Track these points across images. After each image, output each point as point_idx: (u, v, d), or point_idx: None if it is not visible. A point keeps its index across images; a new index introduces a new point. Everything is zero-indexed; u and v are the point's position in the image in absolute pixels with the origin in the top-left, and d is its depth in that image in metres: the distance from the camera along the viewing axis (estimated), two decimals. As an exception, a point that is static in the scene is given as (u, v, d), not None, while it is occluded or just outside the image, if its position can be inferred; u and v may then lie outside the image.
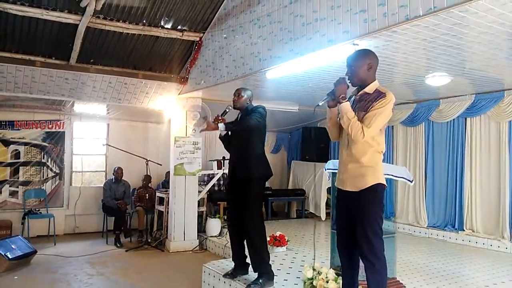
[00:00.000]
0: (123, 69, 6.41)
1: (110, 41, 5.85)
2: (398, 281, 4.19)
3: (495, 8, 2.93)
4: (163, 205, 7.33)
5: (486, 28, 3.31)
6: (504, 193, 6.10)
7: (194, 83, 6.51)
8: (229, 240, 6.38)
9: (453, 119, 6.88)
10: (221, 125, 4.02)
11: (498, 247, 6.02)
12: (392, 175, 4.12)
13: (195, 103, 7.03)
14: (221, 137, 4.27)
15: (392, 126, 7.87)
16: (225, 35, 5.54)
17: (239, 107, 4.23)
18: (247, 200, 3.99)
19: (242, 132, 4.07)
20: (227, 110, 4.19)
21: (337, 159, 6.53)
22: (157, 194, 7.67)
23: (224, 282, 4.35)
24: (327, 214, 8.31)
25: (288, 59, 4.45)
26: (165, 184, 8.00)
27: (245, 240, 4.14)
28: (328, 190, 8.27)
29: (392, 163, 7.32)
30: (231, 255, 4.42)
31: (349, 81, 2.91)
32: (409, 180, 4.32)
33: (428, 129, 7.31)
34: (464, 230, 6.57)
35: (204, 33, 6.01)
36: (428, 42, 3.76)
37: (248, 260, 4.18)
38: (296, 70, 4.78)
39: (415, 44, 3.83)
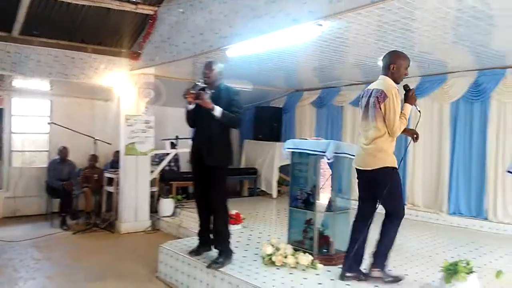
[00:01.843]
0: (70, 42, 6.03)
1: (57, 12, 5.45)
2: (352, 254, 4.39)
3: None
4: (112, 185, 7.10)
5: (444, 13, 3.48)
6: (444, 169, 6.54)
7: (147, 59, 6.26)
8: (183, 220, 6.49)
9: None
10: (218, 110, 3.80)
11: (437, 219, 6.48)
12: (348, 154, 4.26)
13: (148, 80, 6.77)
14: (188, 111, 4.02)
15: (342, 107, 8.12)
16: (182, 10, 5.35)
17: (210, 83, 4.02)
18: (215, 187, 3.98)
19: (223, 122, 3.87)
20: (198, 84, 3.94)
21: (292, 138, 6.63)
22: (106, 174, 7.39)
23: (183, 261, 4.34)
24: (278, 192, 8.50)
25: (251, 37, 4.39)
26: (114, 164, 7.71)
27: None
28: (280, 168, 8.44)
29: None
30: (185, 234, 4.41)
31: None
32: (364, 158, 4.50)
33: (375, 109, 7.59)
34: (406, 204, 6.98)
35: (159, 6, 5.76)
36: (389, 25, 3.88)
37: (212, 236, 4.21)
38: (258, 49, 4.74)
39: (376, 26, 3.95)
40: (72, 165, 7.51)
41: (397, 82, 3.46)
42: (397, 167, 3.45)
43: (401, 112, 3.37)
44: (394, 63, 3.44)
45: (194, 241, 4.55)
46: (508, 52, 5.03)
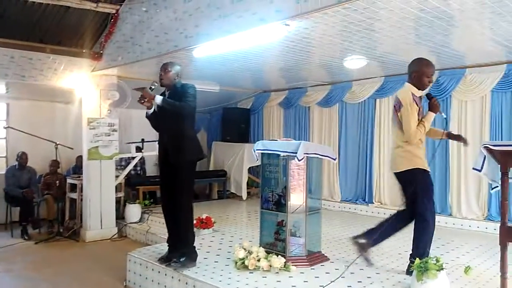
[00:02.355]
0: (28, 42, 5.74)
1: (13, 10, 5.17)
2: (323, 254, 4.40)
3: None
4: (75, 192, 6.87)
5: (408, 13, 3.53)
6: (408, 168, 6.67)
7: (109, 60, 6.06)
8: (151, 226, 6.33)
9: (364, 100, 7.31)
10: (158, 97, 3.79)
11: (404, 217, 6.59)
12: (318, 154, 4.27)
13: (111, 81, 6.57)
14: (148, 116, 4.02)
15: (309, 107, 8.18)
16: (145, 9, 5.20)
17: (167, 84, 3.99)
18: (180, 184, 3.93)
19: (174, 113, 3.85)
20: (153, 87, 3.92)
21: (260, 139, 6.57)
22: (68, 180, 7.13)
23: (152, 269, 4.21)
24: (248, 193, 8.45)
25: (217, 37, 4.32)
26: (76, 170, 7.48)
27: None
28: (249, 170, 8.39)
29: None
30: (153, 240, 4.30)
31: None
32: (332, 158, 4.52)
33: (341, 109, 7.70)
34: (373, 203, 7.11)
35: (121, 5, 5.59)
36: (354, 25, 3.90)
37: None
38: (225, 49, 4.67)
39: (342, 27, 3.96)
40: (32, 172, 7.21)
41: (420, 89, 3.56)
42: (426, 169, 3.57)
43: (422, 119, 3.52)
44: (416, 71, 3.55)
45: (163, 248, 4.43)
46: (467, 52, 5.19)
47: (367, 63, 5.72)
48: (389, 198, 7.00)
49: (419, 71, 3.53)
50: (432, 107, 3.55)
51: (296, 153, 3.86)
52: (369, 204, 7.15)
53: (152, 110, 3.96)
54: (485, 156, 2.88)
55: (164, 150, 4.00)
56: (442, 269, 3.14)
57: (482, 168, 2.90)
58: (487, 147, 2.83)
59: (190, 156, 3.97)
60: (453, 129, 6.14)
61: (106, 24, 5.85)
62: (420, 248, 3.58)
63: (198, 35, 4.54)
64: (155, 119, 4.03)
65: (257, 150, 4.35)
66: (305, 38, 4.42)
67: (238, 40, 4.32)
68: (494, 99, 5.83)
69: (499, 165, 2.83)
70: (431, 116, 3.56)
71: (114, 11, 5.65)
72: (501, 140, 5.63)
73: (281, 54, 5.25)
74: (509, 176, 2.78)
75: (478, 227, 5.80)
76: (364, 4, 3.28)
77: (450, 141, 6.18)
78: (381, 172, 7.07)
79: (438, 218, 6.01)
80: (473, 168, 2.98)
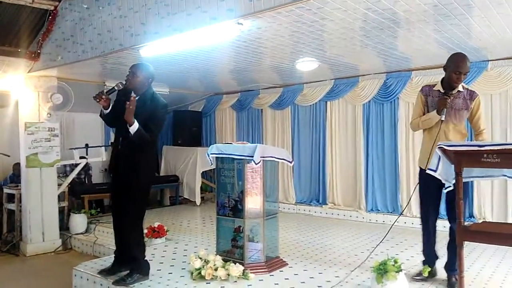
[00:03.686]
0: (-46, 41, 5.22)
1: None
2: (282, 259, 4.31)
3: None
4: (13, 202, 6.39)
5: (360, 14, 3.51)
6: (360, 168, 6.79)
7: (48, 60, 5.63)
8: (98, 237, 5.97)
9: (315, 103, 7.37)
10: (135, 127, 3.39)
11: (357, 217, 6.70)
12: (274, 157, 4.18)
13: (50, 83, 6.13)
14: (104, 115, 3.64)
15: (261, 110, 8.12)
16: (86, 5, 4.87)
17: (134, 90, 3.59)
18: (129, 204, 3.62)
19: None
20: (116, 88, 3.55)
21: (213, 142, 6.42)
22: (5, 190, 6.63)
23: (101, 284, 3.91)
24: (202, 198, 8.23)
25: (166, 36, 4.10)
26: (14, 178, 6.96)
27: None
28: (203, 174, 8.19)
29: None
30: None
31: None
32: (289, 161, 4.45)
33: (294, 112, 7.71)
34: (327, 204, 7.16)
35: (60, 1, 5.20)
36: (308, 26, 3.84)
37: None
38: (174, 48, 4.46)
39: (295, 27, 3.88)
40: (-36, 182, 6.62)
41: (450, 84, 3.41)
42: (423, 167, 3.49)
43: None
44: (445, 66, 3.43)
45: (112, 260, 4.13)
46: (414, 55, 5.31)
47: (318, 66, 5.72)
48: (342, 199, 7.08)
49: (447, 66, 3.41)
50: (437, 104, 3.41)
51: (252, 156, 3.74)
52: (323, 206, 7.19)
53: (108, 110, 3.58)
54: (439, 156, 2.89)
55: (116, 164, 3.68)
56: (401, 270, 3.13)
57: (437, 168, 2.91)
58: (442, 147, 2.85)
59: (142, 179, 3.63)
60: (401, 131, 6.33)
61: (44, 21, 5.42)
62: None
63: (146, 33, 4.30)
64: (112, 120, 3.67)
65: (211, 154, 4.18)
66: (257, 38, 4.32)
67: (188, 39, 4.12)
68: (440, 100, 6.02)
69: (453, 165, 2.86)
70: (430, 114, 3.45)
71: (52, 8, 5.24)
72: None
73: (232, 55, 5.12)
74: (463, 175, 2.81)
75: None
76: (318, 3, 3.22)
77: (399, 141, 6.38)
78: (334, 174, 7.13)
79: (389, 217, 6.27)
80: (429, 169, 2.99)
